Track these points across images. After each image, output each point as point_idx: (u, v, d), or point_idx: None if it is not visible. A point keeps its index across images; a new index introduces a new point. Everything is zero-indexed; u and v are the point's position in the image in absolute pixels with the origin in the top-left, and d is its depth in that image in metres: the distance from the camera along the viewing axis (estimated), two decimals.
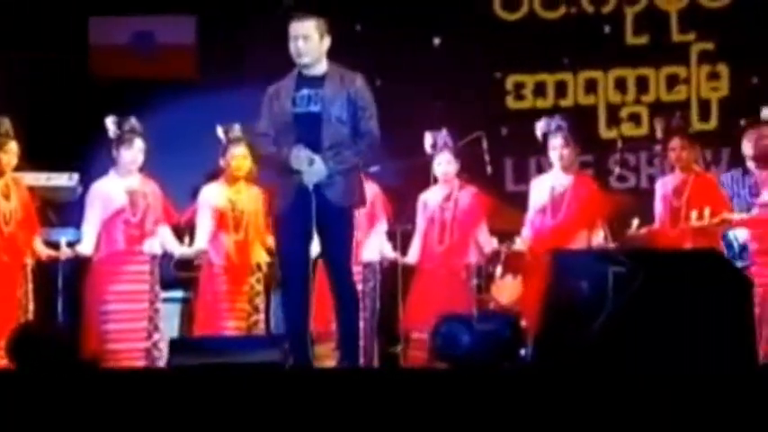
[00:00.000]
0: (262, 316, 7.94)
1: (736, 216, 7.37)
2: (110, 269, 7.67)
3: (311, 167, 6.08)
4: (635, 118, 10.04)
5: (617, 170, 9.10)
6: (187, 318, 8.46)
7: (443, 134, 7.96)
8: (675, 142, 7.58)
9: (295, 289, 6.23)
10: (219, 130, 7.92)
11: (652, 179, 9.72)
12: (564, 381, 4.18)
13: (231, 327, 7.82)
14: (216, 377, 4.70)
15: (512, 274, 8.62)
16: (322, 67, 6.28)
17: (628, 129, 9.99)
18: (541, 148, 9.48)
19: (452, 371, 5.41)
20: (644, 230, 7.68)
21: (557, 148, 7.85)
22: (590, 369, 4.28)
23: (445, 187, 8.04)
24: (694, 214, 7.39)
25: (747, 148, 8.25)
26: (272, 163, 6.40)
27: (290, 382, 4.58)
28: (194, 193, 8.31)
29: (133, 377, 5.28)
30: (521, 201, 8.87)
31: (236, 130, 7.89)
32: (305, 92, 6.22)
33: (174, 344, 5.64)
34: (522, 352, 8.14)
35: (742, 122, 9.22)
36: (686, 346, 4.39)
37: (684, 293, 4.43)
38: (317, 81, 6.24)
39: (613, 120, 10.03)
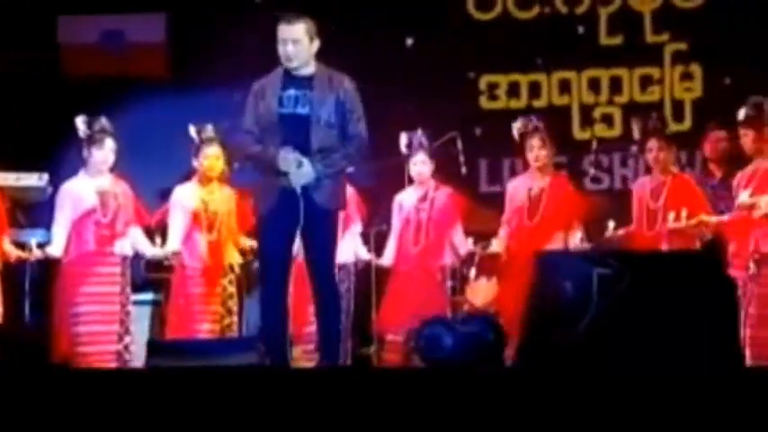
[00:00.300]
0: (235, 318, 7.89)
1: (714, 218, 7.37)
2: (80, 270, 7.60)
3: (299, 170, 6.05)
4: (608, 119, 10.06)
5: (592, 171, 9.10)
6: (157, 320, 8.41)
7: (419, 134, 7.95)
8: (653, 143, 7.58)
9: (275, 290, 6.20)
10: (192, 130, 7.87)
11: (626, 180, 9.79)
12: (544, 382, 4.16)
13: (204, 329, 7.77)
14: (194, 378, 4.65)
15: (486, 275, 8.64)
16: (310, 67, 6.25)
17: (601, 130, 10.01)
18: (516, 148, 9.54)
19: (433, 371, 5.37)
20: (621, 232, 7.68)
21: (533, 148, 7.85)
22: (574, 370, 4.25)
23: (420, 188, 8.03)
24: (671, 216, 7.39)
25: (707, 150, 8.32)
26: (256, 162, 6.36)
27: (275, 382, 4.52)
28: (164, 194, 8.26)
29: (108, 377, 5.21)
30: (495, 202, 8.90)
31: (209, 130, 7.85)
32: (292, 92, 6.19)
33: (151, 346, 5.59)
34: None
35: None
36: (671, 347, 4.38)
37: (669, 295, 4.43)
38: (305, 82, 6.21)
39: (587, 120, 10.03)
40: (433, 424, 4.16)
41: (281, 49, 6.22)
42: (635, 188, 7.82)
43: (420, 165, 7.92)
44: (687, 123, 9.84)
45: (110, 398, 4.55)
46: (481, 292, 8.53)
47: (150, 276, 8.43)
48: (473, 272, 8.40)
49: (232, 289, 7.88)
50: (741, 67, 9.52)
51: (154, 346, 5.53)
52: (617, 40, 10.06)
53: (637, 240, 7.60)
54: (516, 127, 7.92)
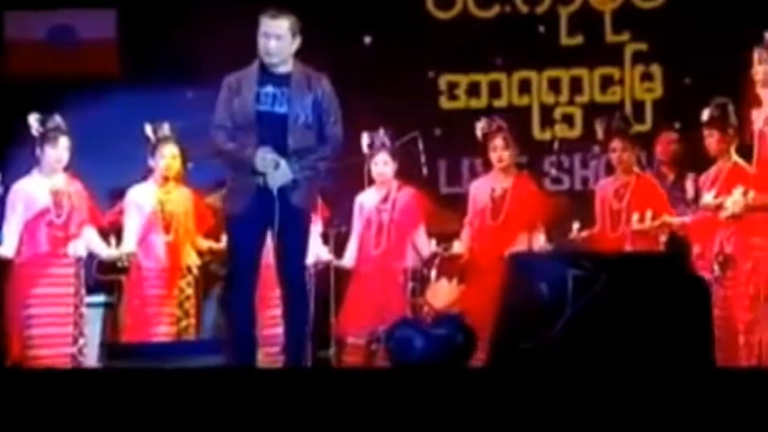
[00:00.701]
0: (192, 320, 7.82)
1: (677, 219, 7.40)
2: (33, 272, 7.51)
3: (277, 171, 5.99)
4: (569, 119, 10.06)
5: (553, 172, 9.11)
6: (110, 323, 8.31)
7: (381, 134, 7.91)
8: (616, 143, 7.61)
9: (245, 292, 6.14)
10: (148, 129, 7.79)
11: (586, 181, 9.81)
12: (512, 382, 4.14)
13: (161, 332, 7.70)
14: (153, 378, 4.58)
15: (447, 277, 8.60)
16: (288, 65, 6.19)
17: (561, 130, 10.00)
18: (476, 149, 9.54)
19: (399, 371, 5.34)
20: (585, 233, 7.69)
21: (497, 149, 7.85)
22: (548, 372, 4.24)
23: (382, 188, 7.99)
24: (635, 217, 7.41)
25: (658, 152, 8.37)
26: (229, 160, 6.27)
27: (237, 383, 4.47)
28: (115, 194, 8.18)
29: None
30: (454, 203, 8.89)
31: (165, 128, 7.79)
32: (270, 89, 6.11)
33: (111, 349, 5.51)
34: None
35: (677, 125, 9.33)
36: (644, 349, 4.37)
37: (642, 297, 4.42)
38: (283, 79, 6.14)
39: (547, 121, 10.04)
40: (399, 425, 4.13)
41: (261, 43, 6.14)
42: (598, 189, 7.84)
43: (382, 165, 7.89)
44: (648, 124, 9.85)
45: (66, 398, 4.47)
46: (441, 293, 8.49)
47: (102, 278, 8.30)
48: (433, 273, 8.36)
49: (189, 291, 7.81)
50: (701, 68, 9.56)
51: (112, 350, 5.44)
52: (577, 40, 10.07)
53: (601, 241, 7.62)
54: (480, 127, 7.92)
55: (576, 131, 9.99)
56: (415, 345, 4.87)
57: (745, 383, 4.13)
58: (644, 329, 4.35)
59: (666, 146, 8.32)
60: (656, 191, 7.57)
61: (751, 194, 5.67)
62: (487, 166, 9.77)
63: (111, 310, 8.34)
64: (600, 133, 7.74)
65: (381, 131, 7.91)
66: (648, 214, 7.37)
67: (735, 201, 6.22)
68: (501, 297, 4.48)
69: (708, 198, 6.86)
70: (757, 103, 6.47)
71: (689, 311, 4.38)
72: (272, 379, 4.61)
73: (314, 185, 6.27)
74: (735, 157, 7.03)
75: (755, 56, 5.88)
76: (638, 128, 9.72)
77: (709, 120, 7.06)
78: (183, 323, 7.77)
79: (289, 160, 6.03)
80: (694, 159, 7.83)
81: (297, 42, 6.20)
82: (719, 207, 6.69)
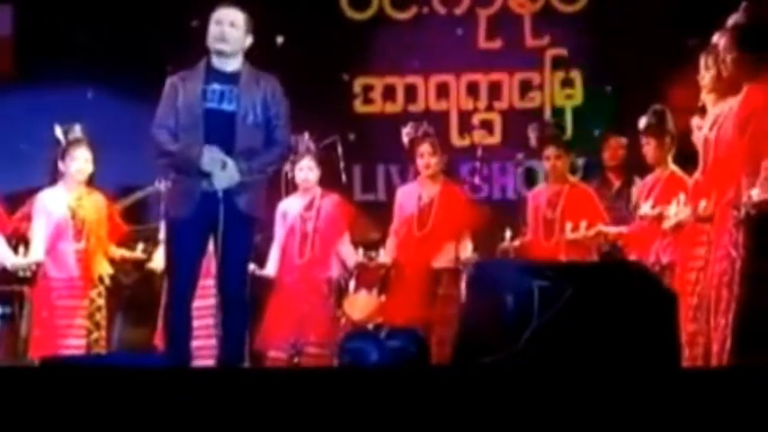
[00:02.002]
0: (103, 333, 7.64)
1: (613, 228, 7.45)
2: None
3: (223, 171, 5.88)
4: (488, 125, 10.08)
5: (476, 180, 9.12)
6: (7, 336, 8.11)
7: (305, 138, 7.82)
8: (550, 151, 7.64)
9: (183, 300, 6.03)
10: (58, 131, 7.60)
11: (505, 190, 9.84)
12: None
13: (71, 344, 7.50)
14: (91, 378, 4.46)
15: (366, 288, 8.56)
16: (237, 63, 6.09)
17: (480, 136, 10.02)
18: (391, 155, 9.53)
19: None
20: (517, 243, 7.70)
21: (424, 155, 7.83)
22: (512, 384, 4.22)
23: (306, 195, 7.92)
24: (569, 226, 7.44)
25: (606, 158, 8.44)
26: (173, 161, 6.14)
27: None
28: (13, 199, 7.98)
29: None
30: (370, 211, 8.84)
31: (77, 130, 7.60)
32: (216, 86, 6.00)
33: (46, 366, 5.37)
34: None
35: (596, 132, 9.42)
36: (611, 359, 4.38)
37: (609, 307, 4.43)
38: (231, 77, 6.03)
39: (465, 127, 10.05)
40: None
41: (214, 31, 6.06)
42: (530, 197, 7.86)
43: (306, 171, 7.82)
44: (568, 131, 9.90)
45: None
46: (359, 305, 8.45)
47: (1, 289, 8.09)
48: (352, 284, 8.31)
49: (101, 302, 7.62)
50: (622, 75, 9.66)
51: (48, 367, 5.30)
52: (496, 44, 10.11)
53: (534, 250, 7.64)
54: (406, 132, 7.88)
55: (496, 138, 10.03)
56: (369, 357, 4.81)
57: (711, 385, 4.15)
58: (611, 340, 4.34)
59: (615, 151, 8.39)
60: (591, 200, 7.61)
61: (703, 204, 5.70)
62: (404, 173, 9.84)
63: (8, 322, 8.12)
64: (533, 140, 7.74)
65: (306, 135, 7.83)
66: (583, 223, 7.38)
67: (681, 211, 6.27)
68: (461, 308, 4.44)
69: (645, 208, 6.90)
70: (700, 109, 6.53)
71: (656, 321, 4.39)
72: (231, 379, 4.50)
73: (261, 190, 6.16)
74: (672, 166, 7.09)
75: (702, 61, 5.92)
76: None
77: (647, 127, 7.11)
78: (94, 335, 7.59)
79: (236, 161, 5.92)
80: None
81: (249, 39, 6.15)
82: (659, 216, 6.73)
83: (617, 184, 8.28)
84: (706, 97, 6.13)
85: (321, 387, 4.18)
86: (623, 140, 8.46)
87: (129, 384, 4.33)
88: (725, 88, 5.86)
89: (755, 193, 5.20)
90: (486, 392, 4.08)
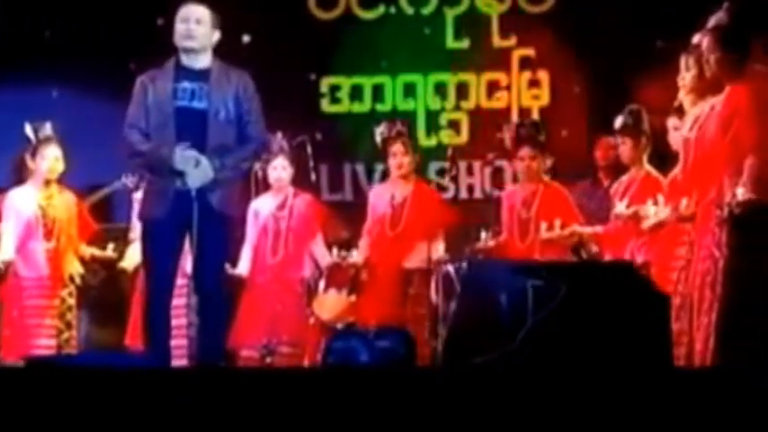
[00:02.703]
0: (74, 332, 7.65)
1: (588, 228, 7.49)
2: None
3: (196, 169, 5.86)
4: (455, 125, 10.10)
5: (442, 180, 9.11)
6: None
7: (278, 138, 7.82)
8: (525, 151, 7.66)
9: (161, 301, 6.03)
10: (29, 129, 7.57)
11: (472, 189, 9.86)
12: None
13: (41, 344, 7.52)
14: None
15: (336, 288, 8.57)
16: (206, 60, 6.09)
17: (447, 136, 10.04)
18: (359, 154, 9.54)
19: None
20: (492, 242, 7.73)
21: (397, 155, 7.85)
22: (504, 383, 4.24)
23: (279, 195, 7.91)
24: (544, 226, 7.47)
25: (598, 158, 8.47)
26: (145, 160, 6.14)
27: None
28: None
29: None
30: (337, 210, 8.84)
31: (47, 128, 7.59)
32: (186, 84, 5.99)
33: (29, 365, 5.33)
34: None
35: (564, 133, 9.47)
36: (602, 358, 4.40)
37: (602, 306, 4.46)
38: (201, 75, 6.03)
39: (433, 127, 10.06)
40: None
41: (180, 28, 6.07)
42: (505, 197, 7.89)
43: (280, 170, 7.82)
44: (506, 133, 9.90)
45: None
46: (328, 304, 8.46)
47: None
48: (322, 284, 8.32)
49: (71, 301, 7.64)
50: (589, 76, 9.72)
51: (33, 367, 5.26)
52: (464, 44, 10.13)
53: (509, 250, 7.67)
54: (379, 131, 7.89)
55: (463, 138, 10.04)
56: (359, 357, 4.81)
57: (701, 384, 4.17)
58: (604, 339, 4.37)
59: (606, 151, 8.41)
60: (565, 200, 7.65)
61: (684, 203, 5.75)
62: (371, 173, 9.86)
63: None
64: (507, 141, 7.76)
65: (279, 135, 7.83)
66: (557, 223, 7.42)
67: (661, 211, 6.31)
68: (455, 307, 4.45)
69: (620, 207, 6.94)
70: (676, 109, 6.58)
71: (648, 321, 4.42)
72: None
73: (235, 187, 6.17)
74: (647, 166, 7.14)
75: (682, 62, 5.97)
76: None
77: (622, 127, 7.15)
78: (65, 335, 7.60)
79: (209, 158, 5.91)
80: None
81: (216, 36, 6.15)
82: (635, 216, 6.78)
83: (606, 183, 8.31)
84: (684, 98, 6.17)
85: (311, 388, 4.18)
86: (613, 140, 8.47)
87: (109, 384, 4.32)
88: (705, 88, 5.91)
89: (740, 192, 5.25)
90: (475, 393, 4.09)
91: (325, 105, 10.14)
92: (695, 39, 5.97)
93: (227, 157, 5.98)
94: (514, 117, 9.92)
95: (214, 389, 4.20)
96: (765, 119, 5.41)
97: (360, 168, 10.10)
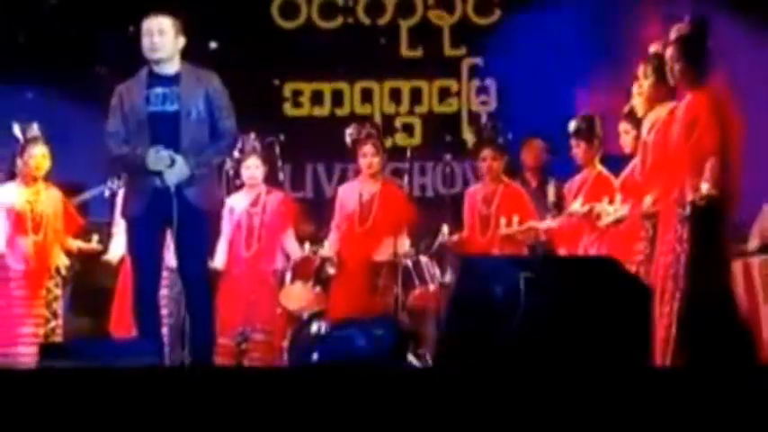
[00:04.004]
0: (60, 321, 7.53)
1: (543, 224, 7.50)
2: None
3: (172, 168, 5.80)
4: (409, 128, 10.10)
5: (405, 179, 9.05)
6: None
7: (251, 138, 7.75)
8: (486, 152, 7.66)
9: (149, 293, 5.97)
10: (17, 129, 7.45)
11: (424, 188, 9.86)
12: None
13: (28, 333, 7.40)
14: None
15: (302, 279, 8.51)
16: (175, 65, 6.02)
17: (401, 139, 10.03)
18: (319, 155, 9.50)
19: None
20: (455, 238, 7.72)
21: (367, 155, 7.81)
22: (495, 372, 4.21)
23: (252, 192, 7.84)
24: (503, 222, 7.48)
25: (526, 159, 8.49)
26: (125, 163, 6.12)
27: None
28: None
29: None
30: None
31: (35, 128, 7.49)
32: (159, 90, 5.93)
33: (44, 349, 5.24)
34: None
35: (509, 135, 9.47)
36: (586, 350, 4.39)
37: (586, 298, 4.45)
38: (171, 79, 5.97)
39: (388, 130, 10.02)
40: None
41: (145, 42, 6.00)
42: (467, 195, 7.88)
43: (253, 168, 7.75)
44: (468, 134, 9.93)
45: None
46: (294, 296, 8.40)
47: None
48: (288, 276, 8.26)
49: (57, 291, 7.55)
50: (534, 81, 9.75)
51: (46, 349, 5.17)
52: (417, 53, 10.13)
53: (470, 245, 7.68)
54: (349, 133, 7.84)
55: (416, 140, 10.04)
56: (357, 343, 4.76)
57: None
58: (591, 326, 4.36)
59: (535, 153, 8.42)
60: (522, 198, 7.67)
61: (648, 201, 5.76)
62: (330, 173, 9.83)
63: None
64: (470, 142, 7.76)
65: (252, 135, 7.75)
66: (516, 219, 7.43)
67: (619, 209, 6.33)
68: (448, 298, 4.42)
69: (575, 205, 6.96)
70: (627, 115, 6.61)
71: (633, 313, 4.42)
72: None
73: (211, 182, 6.12)
74: (599, 167, 7.16)
75: (640, 70, 5.99)
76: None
77: (576, 131, 7.16)
78: (52, 324, 7.49)
79: (184, 156, 5.85)
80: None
81: (181, 41, 6.07)
82: (589, 213, 6.79)
83: (533, 183, 8.33)
84: (637, 103, 6.19)
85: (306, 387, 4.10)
86: (541, 143, 8.50)
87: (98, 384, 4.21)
88: (662, 95, 5.95)
89: (705, 187, 5.29)
90: (464, 390, 4.04)
91: (288, 109, 10.10)
92: (653, 48, 5.99)
93: (201, 154, 5.93)
94: (464, 121, 9.96)
95: (204, 388, 4.10)
96: (725, 124, 5.45)
97: (320, 168, 10.07)
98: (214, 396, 4.12)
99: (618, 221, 6.38)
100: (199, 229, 5.97)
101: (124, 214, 6.19)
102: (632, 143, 6.58)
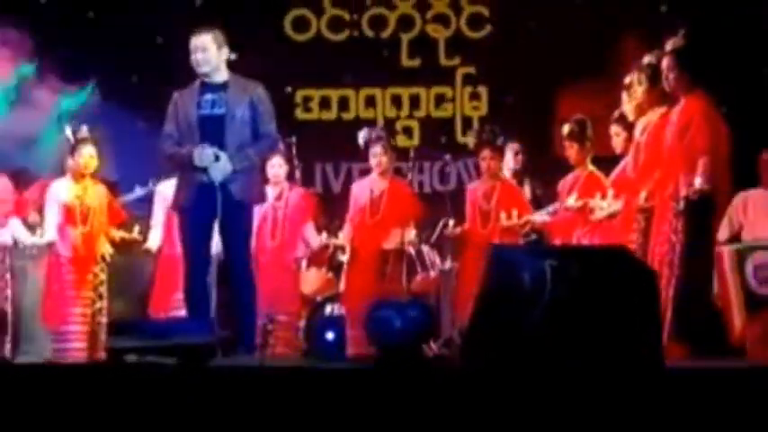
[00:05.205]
0: (105, 303, 7.58)
1: (539, 218, 7.57)
2: None
3: (217, 163, 5.86)
4: (408, 131, 10.17)
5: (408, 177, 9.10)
6: None
7: None
8: (486, 153, 7.73)
9: (200, 278, 5.98)
10: (68, 131, 7.48)
11: (422, 185, 9.92)
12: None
13: (77, 313, 7.46)
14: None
15: (316, 266, 8.59)
16: (223, 75, 6.10)
17: (402, 140, 10.07)
18: (327, 155, 9.56)
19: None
20: (458, 230, 7.79)
21: (377, 155, 7.87)
22: (525, 358, 4.23)
23: (277, 188, 7.91)
24: (503, 215, 7.55)
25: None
26: (176, 160, 6.15)
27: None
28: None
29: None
30: None
31: (84, 130, 7.52)
32: (209, 96, 6.01)
33: (115, 327, 5.27)
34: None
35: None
36: (602, 336, 4.39)
37: (605, 285, 4.47)
38: (220, 87, 6.05)
39: (389, 132, 10.03)
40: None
41: (192, 59, 6.08)
42: (468, 191, 7.95)
43: (277, 167, 7.83)
44: (469, 137, 10.00)
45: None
46: (309, 281, 8.49)
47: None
48: (304, 263, 8.33)
49: (103, 276, 7.61)
50: (521, 89, 9.83)
51: (115, 327, 5.20)
52: (416, 63, 10.19)
53: (472, 236, 7.74)
54: (361, 136, 7.91)
55: (415, 141, 10.10)
56: (394, 324, 4.81)
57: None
58: (607, 311, 4.39)
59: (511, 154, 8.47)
60: (519, 194, 7.74)
61: (643, 196, 5.84)
62: (337, 171, 9.89)
63: None
64: (471, 144, 7.82)
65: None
66: (514, 213, 7.50)
67: (612, 204, 6.40)
68: (479, 284, 4.46)
69: (570, 201, 7.03)
70: (617, 119, 6.68)
71: (645, 294, 4.46)
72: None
73: (254, 178, 6.15)
74: (590, 167, 7.23)
75: (635, 77, 6.07)
76: (465, 140, 9.97)
77: (569, 133, 7.24)
78: (98, 305, 7.57)
79: (229, 154, 5.91)
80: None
81: (225, 52, 6.15)
82: (583, 208, 6.87)
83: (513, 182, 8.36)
84: (629, 108, 6.26)
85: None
86: (517, 146, 8.55)
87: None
88: (654, 100, 6.03)
89: (698, 182, 5.38)
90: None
91: (299, 113, 10.13)
92: (646, 59, 6.07)
93: (244, 152, 5.96)
94: (458, 125, 10.04)
95: (203, 388, 4.04)
96: (715, 126, 5.54)
97: (328, 167, 10.12)
98: (213, 396, 4.04)
99: (611, 216, 6.45)
100: (241, 222, 6.02)
101: (175, 206, 6.24)
102: (623, 144, 6.67)
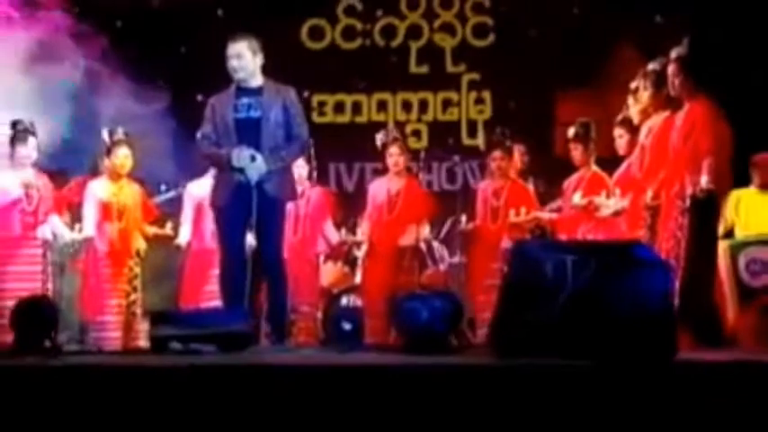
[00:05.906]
0: (139, 295, 7.61)
1: (546, 215, 7.61)
2: (5, 252, 7.12)
3: (254, 163, 5.88)
4: (417, 133, 10.22)
5: (420, 176, 9.16)
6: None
7: None
8: (496, 153, 7.76)
9: (237, 273, 5.98)
10: (104, 133, 7.49)
11: (430, 184, 9.97)
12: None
13: (113, 304, 7.49)
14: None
15: (333, 260, 8.64)
16: (258, 80, 6.12)
17: (411, 142, 10.09)
18: (341, 155, 9.60)
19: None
20: (470, 226, 7.83)
21: (393, 155, 7.90)
22: (547, 347, 4.22)
23: (298, 187, 7.87)
24: (513, 212, 7.59)
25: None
26: (213, 160, 6.20)
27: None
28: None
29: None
30: None
31: (120, 133, 7.53)
32: (245, 100, 6.03)
33: (154, 316, 5.30)
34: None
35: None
36: (619, 326, 4.36)
37: (623, 276, 4.45)
38: (256, 91, 6.08)
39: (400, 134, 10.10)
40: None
41: (229, 65, 6.10)
42: (479, 190, 7.98)
43: (300, 168, 7.81)
44: (480, 140, 10.06)
45: None
46: (327, 274, 8.53)
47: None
48: (322, 258, 8.37)
49: (137, 270, 7.63)
50: (523, 94, 9.88)
51: (156, 317, 5.23)
52: (424, 70, 10.24)
53: (483, 232, 7.77)
54: (379, 137, 7.94)
55: (423, 143, 10.15)
56: (421, 315, 4.83)
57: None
58: (625, 301, 4.38)
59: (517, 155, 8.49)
60: (527, 192, 7.77)
61: (650, 194, 5.88)
62: (350, 171, 9.94)
63: None
64: (482, 145, 7.86)
65: None
66: (522, 210, 7.53)
67: (618, 202, 6.43)
68: (503, 277, 4.48)
69: (576, 198, 7.06)
70: (621, 122, 6.72)
71: (661, 284, 4.46)
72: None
73: (287, 178, 6.16)
74: (594, 167, 7.27)
75: (640, 83, 6.11)
76: (470, 142, 10.02)
77: (574, 136, 7.27)
78: (132, 297, 7.60)
79: (263, 155, 5.93)
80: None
81: (259, 58, 6.15)
82: (588, 205, 6.90)
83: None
84: (633, 112, 6.29)
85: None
86: (522, 147, 8.58)
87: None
88: (659, 104, 6.07)
89: (704, 181, 5.42)
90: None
91: (315, 117, 10.15)
92: (651, 66, 6.10)
93: (278, 153, 5.97)
94: (464, 128, 10.08)
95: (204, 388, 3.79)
96: (718, 128, 5.58)
97: (342, 167, 10.18)
98: (213, 396, 3.78)
99: (616, 213, 6.48)
100: (274, 220, 6.05)
101: (212, 204, 6.23)
102: (626, 146, 6.70)
